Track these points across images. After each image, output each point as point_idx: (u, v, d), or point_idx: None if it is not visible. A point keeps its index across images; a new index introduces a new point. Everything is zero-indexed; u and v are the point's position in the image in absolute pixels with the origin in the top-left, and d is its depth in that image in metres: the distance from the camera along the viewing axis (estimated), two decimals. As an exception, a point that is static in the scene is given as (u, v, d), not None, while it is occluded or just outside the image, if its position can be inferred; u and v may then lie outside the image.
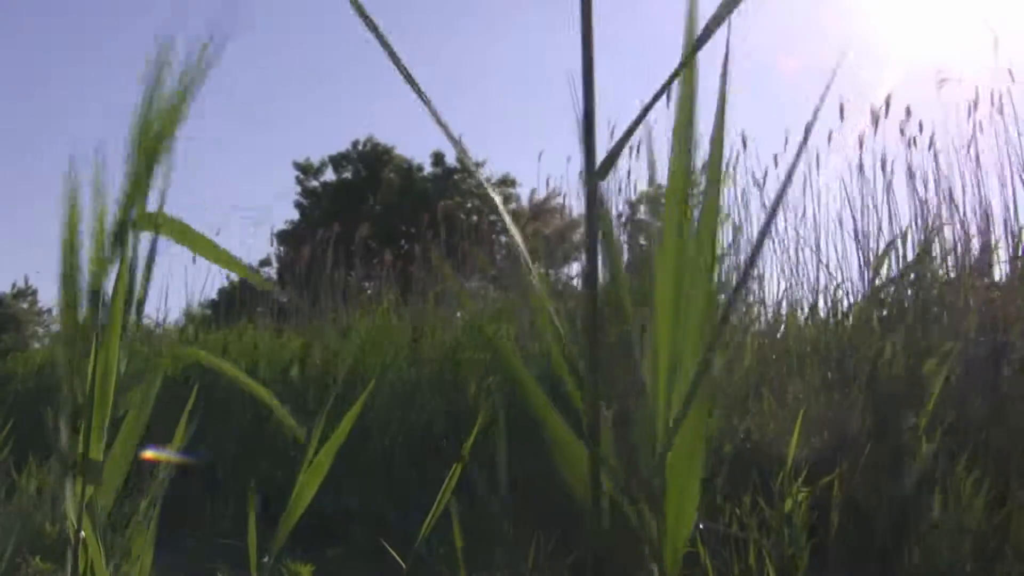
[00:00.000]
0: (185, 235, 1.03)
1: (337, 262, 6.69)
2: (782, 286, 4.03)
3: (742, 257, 0.74)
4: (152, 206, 1.01)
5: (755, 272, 3.70)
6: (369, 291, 7.24)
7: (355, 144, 25.64)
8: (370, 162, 25.31)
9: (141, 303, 1.03)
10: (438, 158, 25.07)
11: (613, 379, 0.64)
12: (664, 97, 0.66)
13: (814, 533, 2.44)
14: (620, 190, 4.88)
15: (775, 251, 4.24)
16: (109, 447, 1.05)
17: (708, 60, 0.67)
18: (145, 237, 1.03)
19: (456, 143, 0.69)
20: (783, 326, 3.65)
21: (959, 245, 3.57)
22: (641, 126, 0.68)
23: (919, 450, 2.49)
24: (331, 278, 6.54)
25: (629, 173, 4.90)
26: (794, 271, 4.07)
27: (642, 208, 4.89)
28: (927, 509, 2.38)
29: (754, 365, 3.09)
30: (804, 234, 4.14)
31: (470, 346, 3.96)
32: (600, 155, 0.67)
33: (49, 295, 25.25)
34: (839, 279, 3.91)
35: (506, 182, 20.92)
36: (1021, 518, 2.30)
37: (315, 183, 25.76)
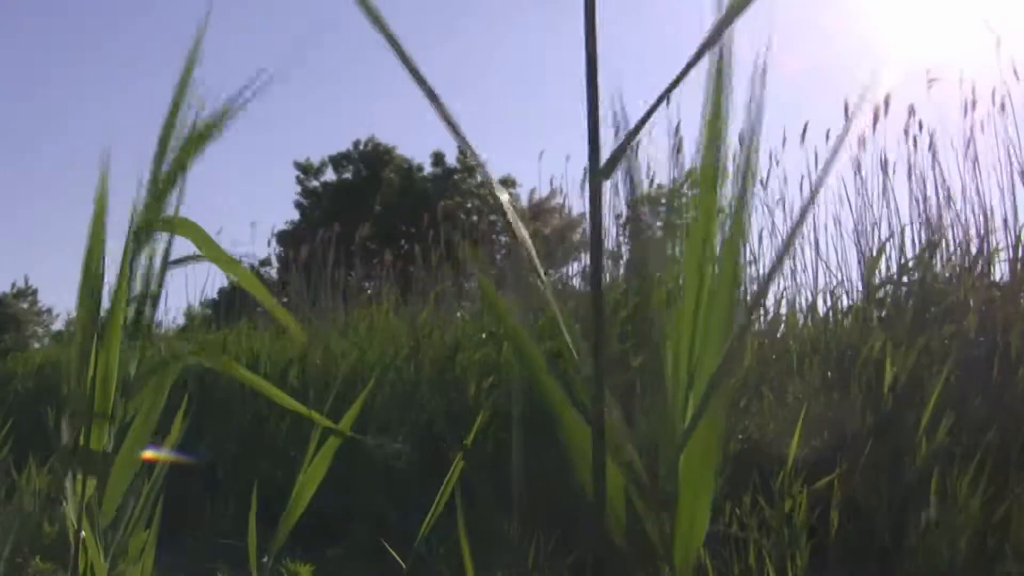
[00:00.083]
0: (198, 238, 1.05)
1: (337, 262, 6.69)
2: (781, 286, 4.03)
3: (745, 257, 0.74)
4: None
5: (781, 270, 3.71)
6: (369, 291, 7.23)
7: (356, 144, 25.66)
8: (371, 162, 25.32)
9: (155, 302, 1.04)
10: (438, 158, 25.08)
11: (624, 377, 0.64)
12: (664, 98, 0.66)
13: (814, 533, 2.44)
14: (618, 191, 4.87)
15: (775, 251, 4.25)
16: (117, 450, 1.05)
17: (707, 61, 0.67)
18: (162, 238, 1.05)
19: (463, 142, 0.69)
20: (783, 326, 3.65)
21: (959, 245, 3.57)
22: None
23: (919, 450, 2.49)
24: (331, 278, 6.54)
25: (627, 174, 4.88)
26: (793, 270, 4.07)
27: (643, 209, 4.88)
28: (927, 509, 2.38)
29: (754, 365, 3.09)
30: (804, 233, 4.14)
31: (470, 346, 3.96)
32: (602, 155, 0.67)
33: (49, 295, 25.24)
34: (839, 278, 3.92)
35: (506, 182, 20.91)
36: (1020, 518, 2.30)
37: (315, 183, 25.76)
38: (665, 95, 0.65)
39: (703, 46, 0.64)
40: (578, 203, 7.71)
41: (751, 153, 0.67)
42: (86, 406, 1.02)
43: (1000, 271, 3.36)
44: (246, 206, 25.73)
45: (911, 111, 4.01)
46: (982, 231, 3.56)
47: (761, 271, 4.09)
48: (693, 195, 0.68)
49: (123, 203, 1.07)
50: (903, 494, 2.49)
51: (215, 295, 9.63)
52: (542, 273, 0.71)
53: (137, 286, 1.03)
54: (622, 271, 4.57)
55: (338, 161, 25.67)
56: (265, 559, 1.39)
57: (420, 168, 25.41)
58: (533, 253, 0.70)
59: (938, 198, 3.80)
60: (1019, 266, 3.19)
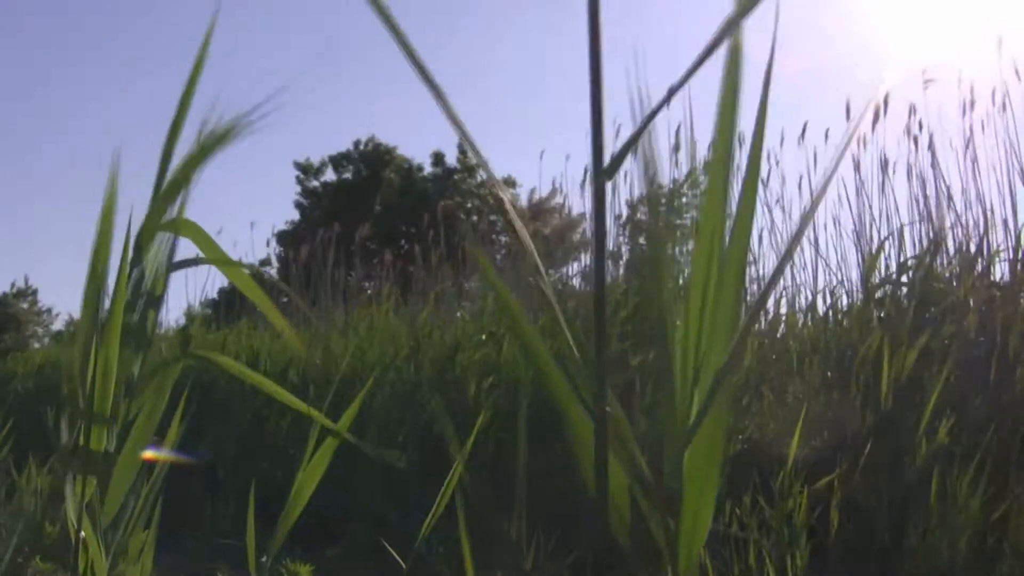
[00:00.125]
0: (200, 240, 1.05)
1: (337, 262, 6.70)
2: (781, 285, 4.03)
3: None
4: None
5: (785, 269, 3.71)
6: (369, 291, 7.23)
7: (357, 144, 25.67)
8: (371, 162, 25.33)
9: (160, 302, 1.04)
10: (438, 158, 25.09)
11: (623, 376, 0.64)
12: (672, 95, 0.66)
13: (814, 533, 2.44)
14: (617, 192, 4.87)
15: (774, 251, 4.25)
16: (119, 450, 1.06)
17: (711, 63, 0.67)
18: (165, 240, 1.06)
19: (467, 140, 0.69)
20: (782, 326, 3.65)
21: (959, 245, 3.56)
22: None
23: (919, 450, 2.49)
24: (331, 278, 6.54)
25: (626, 174, 4.89)
26: (792, 270, 4.07)
27: (641, 209, 4.89)
28: (927, 509, 2.38)
29: (754, 365, 3.09)
30: (804, 233, 4.13)
31: (470, 346, 3.96)
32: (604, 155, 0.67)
33: (49, 295, 25.24)
34: (839, 278, 3.92)
35: (506, 182, 20.92)
36: (1020, 517, 2.30)
37: (315, 183, 25.77)
38: (675, 91, 0.65)
39: (716, 39, 0.63)
40: (578, 203, 7.71)
41: (757, 151, 0.67)
42: (86, 406, 1.02)
43: (1000, 271, 3.36)
44: (246, 206, 25.73)
45: (912, 110, 4.01)
46: (982, 231, 3.56)
47: (760, 271, 4.10)
48: (694, 195, 0.68)
49: (124, 203, 1.07)
50: (903, 494, 2.49)
51: (215, 295, 9.64)
52: (543, 272, 0.71)
53: (142, 286, 1.03)
54: (622, 271, 4.57)
55: (338, 161, 25.67)
56: (264, 559, 1.38)
57: (420, 168, 25.42)
58: (534, 251, 0.70)
59: (938, 198, 3.81)
60: (1019, 266, 3.19)
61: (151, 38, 35.17)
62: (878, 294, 3.38)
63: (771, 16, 0.65)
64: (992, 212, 3.64)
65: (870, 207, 3.99)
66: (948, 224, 3.70)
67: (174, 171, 1.02)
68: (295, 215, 24.72)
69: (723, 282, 0.65)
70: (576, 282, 5.28)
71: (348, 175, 25.55)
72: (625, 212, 5.08)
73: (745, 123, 0.67)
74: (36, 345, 19.07)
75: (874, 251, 3.68)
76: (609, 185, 0.68)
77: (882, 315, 3.26)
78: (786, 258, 2.74)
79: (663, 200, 0.70)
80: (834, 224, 4.13)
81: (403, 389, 4.04)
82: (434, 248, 6.24)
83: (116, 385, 1.04)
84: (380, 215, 21.71)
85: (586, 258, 5.56)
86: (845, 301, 3.69)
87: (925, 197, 3.85)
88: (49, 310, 24.66)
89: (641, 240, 4.89)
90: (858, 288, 3.71)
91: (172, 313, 9.56)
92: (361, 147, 25.63)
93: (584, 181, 5.28)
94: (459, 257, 6.52)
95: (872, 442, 2.58)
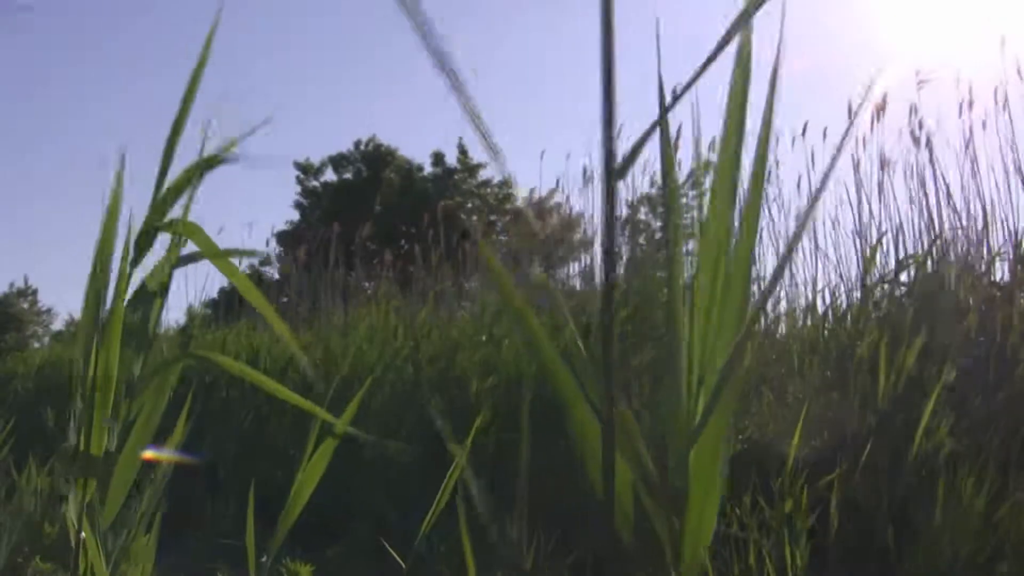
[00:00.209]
0: (201, 240, 1.06)
1: (337, 262, 6.70)
2: (781, 285, 4.02)
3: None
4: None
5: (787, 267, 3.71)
6: (369, 291, 7.23)
7: (357, 144, 25.67)
8: (372, 162, 25.33)
9: (161, 301, 1.05)
10: (438, 158, 25.08)
11: (624, 376, 0.64)
12: (684, 92, 0.66)
13: (814, 533, 2.44)
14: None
15: (775, 251, 4.24)
16: (120, 450, 1.05)
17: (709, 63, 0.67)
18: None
19: (482, 133, 0.68)
20: (782, 326, 3.65)
21: (959, 245, 3.56)
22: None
23: (919, 450, 2.49)
24: (331, 278, 6.54)
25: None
26: (791, 268, 4.07)
27: (642, 209, 4.89)
28: (927, 509, 2.38)
29: (754, 365, 3.09)
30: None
31: (470, 346, 3.96)
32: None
33: (49, 295, 25.23)
34: (839, 278, 3.91)
35: (507, 183, 20.90)
36: (1021, 517, 2.30)
37: (315, 183, 25.76)
38: (686, 89, 0.65)
39: (725, 37, 0.63)
40: (578, 203, 7.71)
41: (764, 150, 0.67)
42: (86, 406, 1.02)
43: (1000, 271, 3.36)
44: (246, 206, 25.73)
45: (912, 110, 4.01)
46: (982, 231, 3.56)
47: (760, 271, 4.09)
48: (695, 194, 0.68)
49: (124, 203, 1.07)
50: (903, 494, 2.49)
51: (215, 295, 9.63)
52: (537, 268, 0.71)
53: (144, 287, 1.04)
54: (622, 271, 4.57)
55: (338, 161, 25.67)
56: (264, 559, 1.38)
57: (420, 168, 25.42)
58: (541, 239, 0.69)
59: (938, 197, 3.81)
60: (1019, 266, 3.19)
61: (151, 38, 35.16)
62: (877, 293, 3.37)
63: (775, 17, 0.65)
64: (992, 212, 3.64)
65: (870, 206, 3.99)
66: (948, 224, 3.70)
67: (175, 174, 1.02)
68: (295, 215, 24.73)
69: (730, 281, 0.65)
70: (577, 282, 5.28)
71: (348, 175, 25.54)
72: (625, 212, 5.08)
73: (748, 123, 0.67)
74: (36, 345, 19.07)
75: (872, 248, 3.68)
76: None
77: (882, 315, 3.26)
78: (786, 258, 2.74)
79: (659, 202, 0.70)
80: (833, 225, 4.13)
81: (403, 389, 4.03)
82: (434, 248, 6.24)
83: (117, 385, 1.04)
84: (380, 215, 21.70)
85: (586, 258, 5.55)
86: (845, 301, 3.69)
87: (925, 196, 3.85)
88: (49, 310, 24.67)
89: (641, 240, 4.89)
90: (858, 288, 3.70)
91: (172, 313, 9.57)
92: (362, 147, 25.63)
93: (585, 181, 5.28)
94: (459, 257, 6.52)
95: (872, 442, 2.57)
